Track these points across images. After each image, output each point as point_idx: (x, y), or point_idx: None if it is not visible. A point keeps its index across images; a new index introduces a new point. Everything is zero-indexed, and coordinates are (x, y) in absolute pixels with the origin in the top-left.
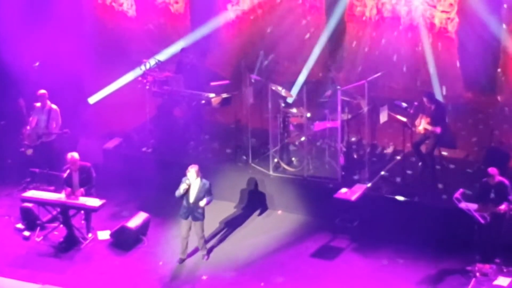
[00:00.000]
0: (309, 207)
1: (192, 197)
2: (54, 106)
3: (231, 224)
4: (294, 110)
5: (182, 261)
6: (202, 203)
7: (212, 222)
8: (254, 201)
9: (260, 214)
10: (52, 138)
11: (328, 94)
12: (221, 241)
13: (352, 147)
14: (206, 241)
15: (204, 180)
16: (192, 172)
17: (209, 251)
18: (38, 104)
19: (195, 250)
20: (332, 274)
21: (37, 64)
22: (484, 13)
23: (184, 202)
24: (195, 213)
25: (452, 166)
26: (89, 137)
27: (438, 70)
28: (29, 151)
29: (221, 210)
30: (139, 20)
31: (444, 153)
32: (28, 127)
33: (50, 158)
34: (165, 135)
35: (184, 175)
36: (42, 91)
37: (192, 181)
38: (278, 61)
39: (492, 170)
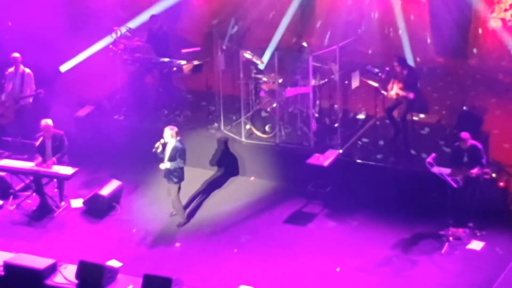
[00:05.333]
0: (282, 173)
1: (165, 158)
2: (27, 70)
3: (204, 191)
4: (265, 78)
5: (174, 214)
6: (161, 165)
7: (184, 189)
8: (226, 168)
9: (232, 181)
10: (29, 102)
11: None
12: (194, 208)
13: (324, 113)
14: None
15: (178, 143)
16: (166, 131)
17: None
18: (11, 69)
19: (168, 218)
20: (305, 239)
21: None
22: None
23: None
24: (169, 175)
25: (424, 131)
26: (61, 105)
27: (410, 35)
28: None
29: (193, 177)
30: None
31: (416, 118)
32: (2, 94)
33: (24, 125)
34: (136, 102)
35: (156, 142)
36: (16, 54)
37: (168, 141)
38: (249, 27)
39: (464, 134)
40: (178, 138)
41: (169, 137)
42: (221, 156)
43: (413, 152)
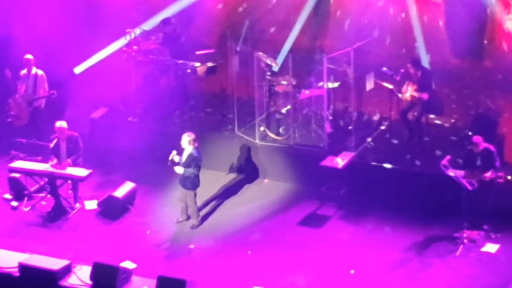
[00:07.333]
0: (296, 175)
1: (181, 163)
2: (40, 72)
3: (218, 193)
4: (282, 81)
5: (179, 222)
6: (175, 168)
7: (199, 192)
8: (240, 170)
9: (247, 183)
10: (42, 104)
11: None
12: (208, 210)
13: (338, 115)
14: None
15: (194, 151)
16: (184, 137)
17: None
18: (24, 71)
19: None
20: (319, 241)
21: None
22: None
23: None
24: (184, 181)
25: (439, 132)
26: (75, 107)
27: (425, 37)
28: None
29: (207, 179)
30: None
31: (437, 120)
32: (16, 96)
33: (38, 127)
34: (151, 104)
35: (170, 144)
36: (28, 56)
37: (184, 147)
38: (264, 29)
39: (476, 138)
40: (196, 145)
41: (186, 143)
42: (244, 162)
43: (428, 154)
